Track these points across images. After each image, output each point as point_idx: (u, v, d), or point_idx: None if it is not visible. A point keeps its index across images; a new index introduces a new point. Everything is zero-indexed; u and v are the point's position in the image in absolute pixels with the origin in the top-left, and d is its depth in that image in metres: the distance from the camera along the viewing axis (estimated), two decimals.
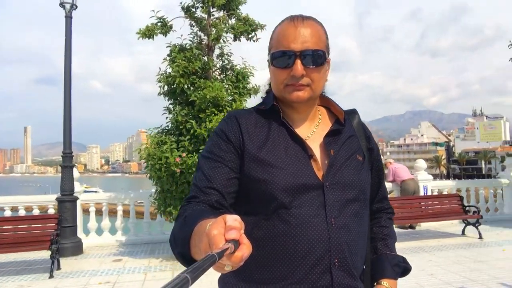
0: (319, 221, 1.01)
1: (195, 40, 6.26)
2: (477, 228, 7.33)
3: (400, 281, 1.23)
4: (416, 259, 5.85)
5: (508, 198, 9.44)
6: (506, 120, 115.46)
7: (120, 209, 7.66)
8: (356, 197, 1.08)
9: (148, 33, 5.86)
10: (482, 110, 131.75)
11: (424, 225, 8.45)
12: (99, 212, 7.71)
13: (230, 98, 5.95)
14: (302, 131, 1.13)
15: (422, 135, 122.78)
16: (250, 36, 6.37)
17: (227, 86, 6.07)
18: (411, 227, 8.38)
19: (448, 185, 9.71)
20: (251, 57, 6.53)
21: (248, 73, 6.16)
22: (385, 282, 1.16)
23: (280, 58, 1.06)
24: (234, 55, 6.49)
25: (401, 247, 6.54)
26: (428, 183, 9.11)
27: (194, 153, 5.53)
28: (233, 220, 0.66)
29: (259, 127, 1.12)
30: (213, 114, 5.66)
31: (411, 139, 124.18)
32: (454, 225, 8.37)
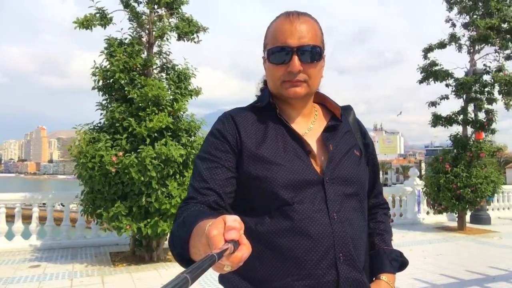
0: (322, 216, 1.01)
1: (135, 36, 6.03)
2: None
3: None
4: None
5: (411, 204, 10.62)
6: (401, 135, 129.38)
7: (36, 210, 6.96)
8: (355, 192, 1.08)
9: (86, 23, 5.48)
10: (382, 125, 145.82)
11: None
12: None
13: (171, 97, 5.83)
14: (299, 127, 1.12)
15: None
16: (192, 37, 6.34)
17: (168, 85, 5.94)
18: None
19: None
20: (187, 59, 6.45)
21: (190, 74, 6.11)
22: (384, 277, 1.17)
23: (277, 54, 1.05)
24: (173, 55, 6.36)
25: None
26: None
27: (132, 152, 5.31)
28: (233, 220, 0.66)
29: (256, 124, 1.10)
30: (153, 113, 5.50)
31: None
32: None
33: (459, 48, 9.39)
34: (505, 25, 8.14)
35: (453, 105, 9.83)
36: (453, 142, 9.13)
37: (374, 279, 1.17)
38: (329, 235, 1.00)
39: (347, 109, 1.26)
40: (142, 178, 5.18)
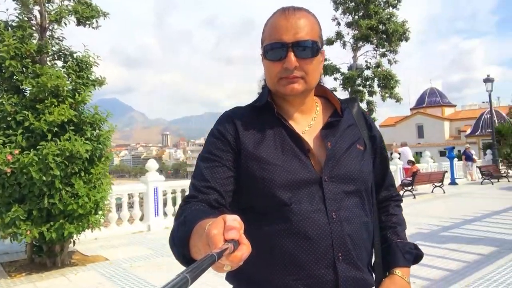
0: (320, 216, 1.00)
1: (24, 18, 5.32)
2: None
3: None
4: None
5: None
6: None
7: None
8: (357, 189, 1.07)
9: None
10: None
11: None
12: None
13: (70, 87, 5.32)
14: (298, 125, 1.11)
15: None
16: (89, 22, 5.85)
17: (67, 74, 5.40)
18: None
19: None
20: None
21: (92, 62, 5.64)
22: (397, 271, 1.13)
23: (273, 50, 1.04)
24: (68, 41, 5.77)
25: None
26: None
27: (31, 149, 4.73)
28: (233, 220, 0.66)
29: (254, 124, 1.10)
30: (53, 106, 4.97)
31: None
32: None
33: (344, 45, 10.50)
34: (381, 27, 9.36)
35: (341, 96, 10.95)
36: None
37: (387, 273, 1.14)
38: (327, 235, 0.99)
39: (351, 101, 1.23)
40: (44, 178, 4.67)
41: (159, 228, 8.13)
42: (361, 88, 9.95)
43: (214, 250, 0.60)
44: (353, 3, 9.88)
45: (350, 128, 1.14)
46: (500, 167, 17.18)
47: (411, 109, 46.92)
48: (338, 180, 1.04)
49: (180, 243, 0.85)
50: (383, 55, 10.08)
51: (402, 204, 1.31)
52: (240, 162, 1.06)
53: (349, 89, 9.99)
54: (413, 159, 13.92)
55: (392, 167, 13.89)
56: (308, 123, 1.13)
